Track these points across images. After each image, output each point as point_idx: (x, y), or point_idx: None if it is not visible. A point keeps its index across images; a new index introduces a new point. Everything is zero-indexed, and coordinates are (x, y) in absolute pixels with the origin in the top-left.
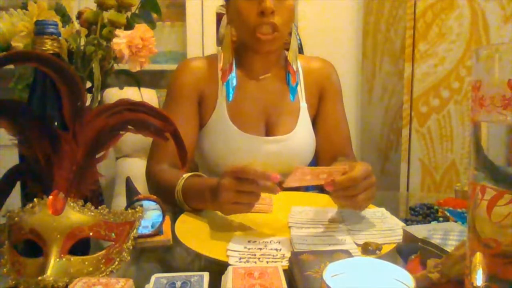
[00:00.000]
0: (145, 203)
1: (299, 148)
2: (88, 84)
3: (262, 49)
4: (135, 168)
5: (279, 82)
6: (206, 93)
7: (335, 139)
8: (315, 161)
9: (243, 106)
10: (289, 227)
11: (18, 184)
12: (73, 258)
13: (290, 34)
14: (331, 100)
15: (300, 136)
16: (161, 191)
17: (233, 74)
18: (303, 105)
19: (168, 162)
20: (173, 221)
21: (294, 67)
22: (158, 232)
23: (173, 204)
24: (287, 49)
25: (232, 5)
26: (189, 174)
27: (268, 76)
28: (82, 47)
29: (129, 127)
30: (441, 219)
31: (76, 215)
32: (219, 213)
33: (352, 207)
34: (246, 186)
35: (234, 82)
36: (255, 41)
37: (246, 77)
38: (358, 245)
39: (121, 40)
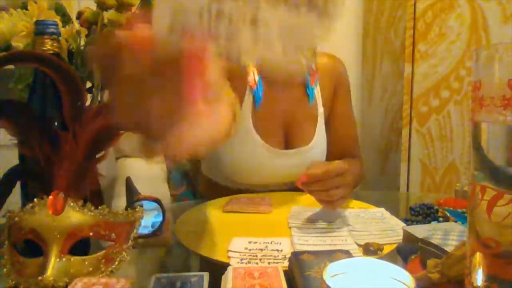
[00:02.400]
0: (145, 203)
1: (318, 158)
2: (88, 84)
3: None
4: (135, 168)
5: (295, 84)
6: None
7: (344, 140)
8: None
9: (264, 114)
10: (290, 227)
11: (18, 184)
12: (73, 258)
13: None
14: (343, 99)
15: (319, 146)
16: None
17: (259, 78)
18: (321, 110)
19: None
20: (173, 221)
21: (313, 67)
22: (158, 232)
23: None
24: None
25: None
26: None
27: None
28: (82, 47)
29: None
30: (441, 219)
31: (76, 215)
32: (219, 213)
33: (325, 202)
34: None
35: (261, 88)
36: None
37: (266, 82)
38: (359, 245)
39: None
